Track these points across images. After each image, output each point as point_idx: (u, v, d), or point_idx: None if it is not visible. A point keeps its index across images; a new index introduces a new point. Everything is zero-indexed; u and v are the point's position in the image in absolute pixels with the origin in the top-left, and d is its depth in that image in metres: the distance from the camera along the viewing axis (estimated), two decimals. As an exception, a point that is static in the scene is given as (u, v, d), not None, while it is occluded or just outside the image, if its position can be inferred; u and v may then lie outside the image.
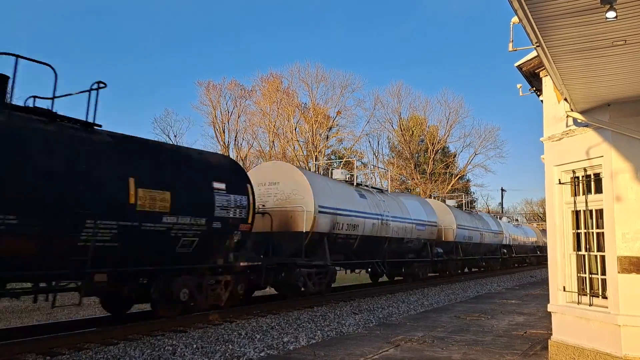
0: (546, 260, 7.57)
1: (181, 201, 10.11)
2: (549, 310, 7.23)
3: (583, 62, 4.89)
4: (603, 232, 6.43)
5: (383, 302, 14.62)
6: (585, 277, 6.82)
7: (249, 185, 12.22)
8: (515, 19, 4.89)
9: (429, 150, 53.31)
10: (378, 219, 17.96)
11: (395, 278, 22.67)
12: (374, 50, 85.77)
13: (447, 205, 26.38)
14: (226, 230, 11.29)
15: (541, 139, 7.57)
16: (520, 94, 8.63)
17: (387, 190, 22.07)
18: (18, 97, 9.09)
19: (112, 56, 73.14)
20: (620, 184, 6.16)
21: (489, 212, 48.44)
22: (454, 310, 12.85)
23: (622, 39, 4.28)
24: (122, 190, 9.05)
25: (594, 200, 6.66)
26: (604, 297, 6.42)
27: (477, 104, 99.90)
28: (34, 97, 8.94)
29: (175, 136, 46.93)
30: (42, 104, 8.95)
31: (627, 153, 6.16)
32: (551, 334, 7.21)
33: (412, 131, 53.79)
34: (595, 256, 6.69)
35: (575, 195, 6.99)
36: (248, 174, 13.48)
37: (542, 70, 7.40)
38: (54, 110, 8.83)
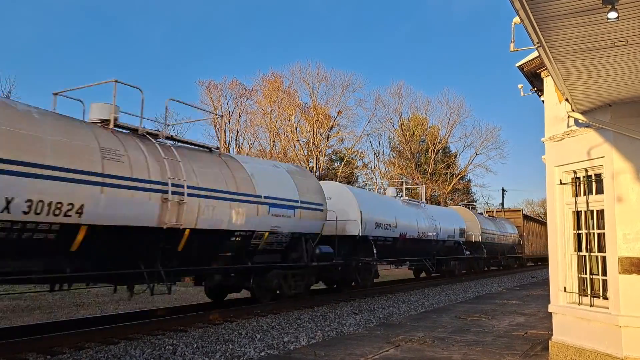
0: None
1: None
2: (549, 310, 7.23)
3: (584, 62, 4.88)
4: (604, 233, 6.43)
5: (384, 302, 14.61)
6: (586, 278, 6.81)
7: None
8: (516, 19, 4.88)
9: (429, 150, 53.31)
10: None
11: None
12: (375, 50, 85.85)
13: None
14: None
15: (542, 139, 7.56)
16: (522, 94, 8.63)
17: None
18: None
19: (112, 55, 73.24)
20: (622, 184, 6.15)
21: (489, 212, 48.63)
22: (454, 310, 12.84)
23: (624, 39, 4.28)
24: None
25: (595, 201, 6.66)
26: (605, 297, 6.41)
27: (478, 104, 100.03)
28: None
29: (176, 135, 46.89)
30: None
31: (628, 153, 6.15)
32: (552, 335, 7.21)
33: (413, 131, 53.78)
34: (596, 257, 6.68)
35: (577, 195, 6.98)
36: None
37: (544, 70, 7.40)
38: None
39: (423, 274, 27.08)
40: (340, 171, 46.45)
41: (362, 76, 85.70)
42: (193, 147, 11.78)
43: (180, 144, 11.34)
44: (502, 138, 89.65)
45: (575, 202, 6.95)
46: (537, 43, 4.36)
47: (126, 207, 8.74)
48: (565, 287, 6.97)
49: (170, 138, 11.11)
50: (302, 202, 13.57)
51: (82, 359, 7.34)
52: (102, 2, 70.34)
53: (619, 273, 6.05)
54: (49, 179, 7.56)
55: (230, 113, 46.83)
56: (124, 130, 9.83)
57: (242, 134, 47.45)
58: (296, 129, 46.17)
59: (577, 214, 6.96)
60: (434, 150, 52.91)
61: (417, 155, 54.24)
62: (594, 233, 6.72)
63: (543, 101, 7.91)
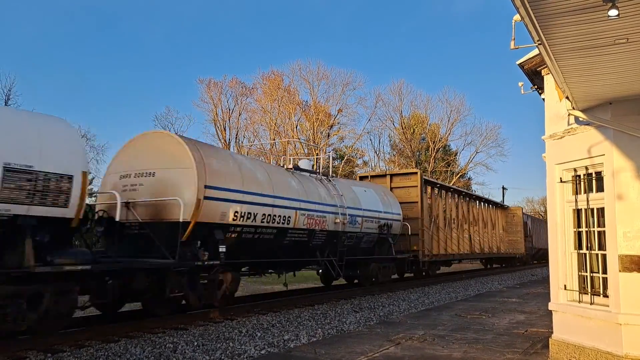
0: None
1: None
2: (549, 308, 7.23)
3: (585, 60, 4.88)
4: (604, 231, 6.43)
5: (384, 301, 14.63)
6: (586, 276, 6.81)
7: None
8: (517, 17, 4.87)
9: (430, 149, 53.29)
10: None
11: None
12: (376, 48, 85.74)
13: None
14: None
15: (543, 137, 7.56)
16: (522, 92, 8.62)
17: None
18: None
19: (113, 54, 73.21)
20: (622, 182, 6.15)
21: None
22: (454, 308, 12.85)
23: (624, 37, 4.27)
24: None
25: (595, 199, 6.65)
26: (605, 295, 6.41)
27: (478, 102, 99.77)
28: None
29: (176, 133, 46.91)
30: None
31: (628, 151, 6.15)
32: (552, 333, 7.22)
33: (414, 129, 53.75)
34: (597, 255, 6.68)
35: (577, 193, 6.97)
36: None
37: (544, 68, 7.39)
38: None
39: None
40: (340, 169, 46.45)
41: (362, 74, 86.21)
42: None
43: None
44: (502, 136, 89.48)
45: (576, 200, 6.94)
46: (538, 41, 4.35)
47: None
48: (565, 285, 6.97)
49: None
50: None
51: (83, 357, 7.34)
52: (102, 1, 70.37)
53: (619, 271, 6.05)
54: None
55: (231, 111, 46.92)
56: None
57: (242, 132, 47.54)
58: (296, 127, 46.20)
59: (578, 212, 6.96)
60: (434, 149, 52.89)
61: (418, 153, 54.21)
62: (594, 231, 6.72)
63: (543, 99, 7.90)
